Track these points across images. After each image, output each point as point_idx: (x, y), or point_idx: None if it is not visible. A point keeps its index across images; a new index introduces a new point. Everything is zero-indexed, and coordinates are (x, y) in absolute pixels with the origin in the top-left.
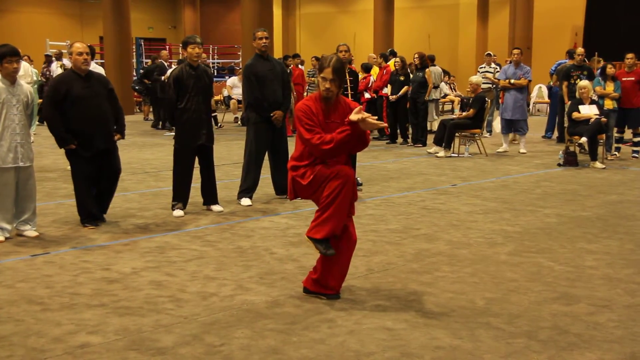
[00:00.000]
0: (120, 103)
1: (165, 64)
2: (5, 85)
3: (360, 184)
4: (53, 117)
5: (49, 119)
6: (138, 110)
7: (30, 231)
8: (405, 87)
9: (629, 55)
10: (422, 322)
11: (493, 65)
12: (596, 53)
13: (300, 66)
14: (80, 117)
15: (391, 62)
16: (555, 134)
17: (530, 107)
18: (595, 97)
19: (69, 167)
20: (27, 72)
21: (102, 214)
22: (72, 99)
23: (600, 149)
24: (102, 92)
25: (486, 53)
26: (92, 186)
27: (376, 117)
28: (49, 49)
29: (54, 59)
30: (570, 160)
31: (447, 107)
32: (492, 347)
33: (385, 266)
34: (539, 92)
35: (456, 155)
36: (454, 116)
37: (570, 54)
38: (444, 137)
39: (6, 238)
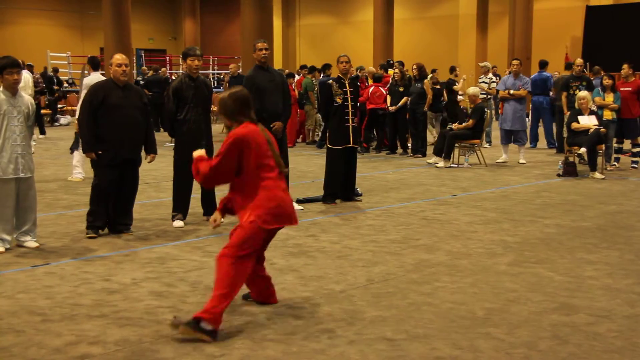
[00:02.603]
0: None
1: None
2: (6, 96)
3: (360, 195)
4: (87, 121)
5: (82, 122)
6: None
7: (30, 242)
8: (405, 98)
9: (624, 66)
10: (422, 332)
11: (490, 75)
12: (587, 64)
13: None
14: (112, 124)
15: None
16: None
17: (529, 117)
18: (594, 108)
19: (70, 177)
20: (28, 84)
21: (124, 224)
22: (108, 106)
23: (599, 160)
24: (137, 104)
25: (481, 64)
26: (109, 198)
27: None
28: (50, 60)
29: None
30: (569, 170)
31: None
32: (492, 358)
33: (385, 276)
34: None
35: (456, 165)
36: (453, 126)
37: (542, 65)
38: (444, 148)
39: (6, 249)
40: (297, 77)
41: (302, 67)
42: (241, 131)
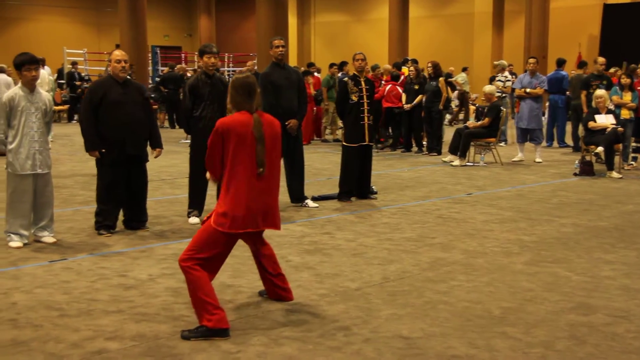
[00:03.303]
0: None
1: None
2: (24, 93)
3: (376, 192)
4: (88, 119)
5: (83, 120)
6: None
7: (48, 237)
8: (420, 96)
9: None
10: (439, 331)
11: (506, 74)
12: (626, 63)
13: (316, 74)
14: (114, 122)
15: (405, 70)
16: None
17: (546, 116)
18: (612, 107)
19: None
20: (44, 80)
21: (139, 221)
22: (108, 104)
23: (616, 159)
24: (138, 100)
25: (496, 62)
26: (117, 197)
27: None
28: (66, 56)
29: None
30: (586, 169)
31: (462, 115)
32: (508, 357)
33: (401, 275)
34: None
35: (471, 164)
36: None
37: (559, 63)
38: (459, 146)
39: (24, 244)
40: (316, 74)
41: (310, 64)
42: (226, 120)
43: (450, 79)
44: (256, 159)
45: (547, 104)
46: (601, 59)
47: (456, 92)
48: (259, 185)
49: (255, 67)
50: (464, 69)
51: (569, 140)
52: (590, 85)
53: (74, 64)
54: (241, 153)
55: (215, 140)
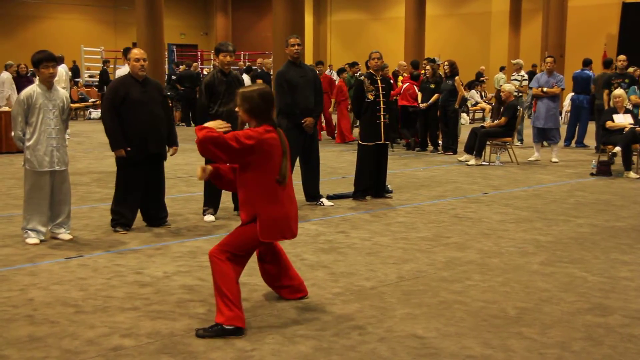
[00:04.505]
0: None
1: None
2: (42, 90)
3: (391, 192)
4: (111, 119)
5: (106, 121)
6: None
7: (64, 234)
8: (436, 95)
9: None
10: (454, 330)
11: (522, 73)
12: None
13: (328, 72)
14: (136, 121)
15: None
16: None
17: (562, 115)
18: (630, 106)
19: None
20: (61, 77)
21: (159, 217)
22: (130, 103)
23: (634, 159)
24: (158, 98)
25: (513, 62)
26: (135, 196)
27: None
28: (83, 54)
29: None
30: (603, 169)
31: (478, 115)
32: (524, 358)
33: (416, 274)
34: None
35: (487, 163)
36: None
37: (585, 63)
38: (475, 145)
39: (41, 241)
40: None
41: (318, 63)
42: (267, 136)
43: (482, 78)
44: (282, 173)
45: (564, 102)
46: (622, 57)
47: (496, 90)
48: (291, 195)
49: (271, 66)
50: (502, 69)
51: (587, 141)
52: (612, 84)
53: (106, 62)
54: (276, 170)
55: (250, 148)
